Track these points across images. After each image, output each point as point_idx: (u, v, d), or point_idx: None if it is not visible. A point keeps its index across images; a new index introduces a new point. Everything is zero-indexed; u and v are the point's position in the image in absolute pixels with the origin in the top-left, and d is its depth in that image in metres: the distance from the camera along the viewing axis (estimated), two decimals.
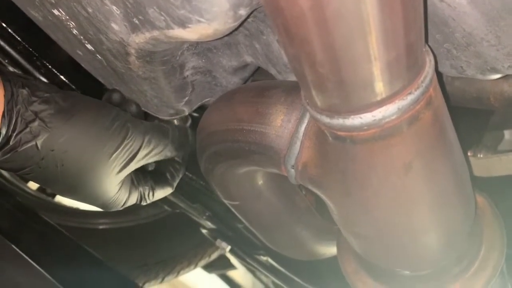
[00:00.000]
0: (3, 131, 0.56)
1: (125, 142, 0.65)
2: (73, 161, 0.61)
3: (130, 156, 0.66)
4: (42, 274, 0.86)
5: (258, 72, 0.74)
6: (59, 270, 0.90)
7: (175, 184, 0.78)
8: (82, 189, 0.64)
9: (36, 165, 0.60)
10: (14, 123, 0.57)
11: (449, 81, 0.67)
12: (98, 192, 0.65)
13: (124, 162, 0.66)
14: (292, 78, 0.64)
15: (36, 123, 0.58)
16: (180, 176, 0.79)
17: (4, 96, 0.56)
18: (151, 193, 0.74)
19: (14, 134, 0.57)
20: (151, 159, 0.70)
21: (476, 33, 0.44)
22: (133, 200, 0.71)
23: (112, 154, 0.64)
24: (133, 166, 0.68)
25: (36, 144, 0.59)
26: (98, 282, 0.96)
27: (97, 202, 0.67)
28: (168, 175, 0.76)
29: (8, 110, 0.56)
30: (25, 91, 0.58)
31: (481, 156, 0.77)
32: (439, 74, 0.49)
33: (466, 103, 0.69)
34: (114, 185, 0.66)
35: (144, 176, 0.73)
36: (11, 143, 0.57)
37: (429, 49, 0.42)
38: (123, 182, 0.67)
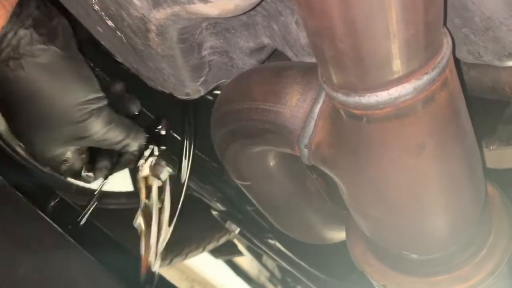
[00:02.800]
0: None
1: (90, 120, 0.71)
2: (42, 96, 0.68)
3: (86, 135, 0.71)
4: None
5: (273, 56, 0.75)
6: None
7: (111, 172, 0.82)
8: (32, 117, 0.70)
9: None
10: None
11: (465, 70, 0.67)
12: (43, 139, 0.72)
13: (78, 136, 0.71)
14: (309, 61, 0.65)
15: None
16: (118, 171, 0.81)
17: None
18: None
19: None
20: (103, 146, 0.75)
21: (496, 17, 0.44)
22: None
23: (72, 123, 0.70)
24: (83, 143, 0.72)
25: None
26: (109, 260, 0.98)
27: (35, 146, 0.73)
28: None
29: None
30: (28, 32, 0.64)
31: (494, 147, 0.77)
32: (456, 60, 0.49)
33: (481, 93, 0.69)
34: (59, 144, 0.72)
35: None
36: None
37: (447, 31, 0.42)
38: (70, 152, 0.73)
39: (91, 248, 0.84)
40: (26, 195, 0.82)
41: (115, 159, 0.83)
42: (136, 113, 0.84)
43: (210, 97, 0.83)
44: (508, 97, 0.68)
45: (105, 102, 0.75)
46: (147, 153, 0.82)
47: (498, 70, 0.61)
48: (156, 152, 0.83)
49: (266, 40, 0.67)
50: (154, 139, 0.82)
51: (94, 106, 0.73)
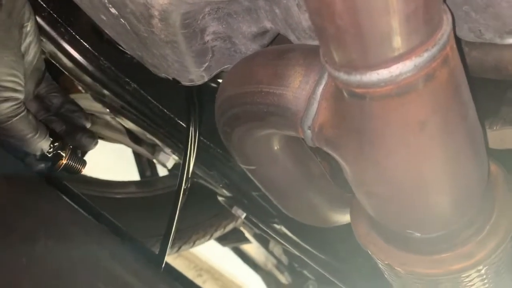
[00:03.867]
0: None
1: None
2: None
3: None
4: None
5: (275, 41, 0.75)
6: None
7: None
8: None
9: None
10: None
11: (466, 51, 0.67)
12: None
13: None
14: (311, 43, 0.65)
15: None
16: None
17: None
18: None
19: None
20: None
21: None
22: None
23: None
24: None
25: None
26: (118, 249, 0.99)
27: None
28: None
29: None
30: None
31: (498, 128, 0.77)
32: (457, 40, 0.50)
33: (484, 73, 0.69)
34: None
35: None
36: None
37: (447, 8, 0.42)
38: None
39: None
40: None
41: None
42: (86, 126, 0.85)
43: (213, 85, 0.84)
44: (511, 77, 0.68)
45: (18, 96, 0.73)
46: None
47: (501, 49, 0.61)
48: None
49: (268, 25, 0.67)
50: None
51: (5, 94, 0.71)
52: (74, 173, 0.87)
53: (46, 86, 0.84)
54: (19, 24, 0.74)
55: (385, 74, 0.41)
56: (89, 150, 0.90)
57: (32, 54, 0.77)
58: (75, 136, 0.85)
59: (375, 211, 0.60)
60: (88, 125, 0.88)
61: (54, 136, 0.83)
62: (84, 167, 0.89)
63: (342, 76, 0.43)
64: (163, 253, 0.85)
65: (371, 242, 0.65)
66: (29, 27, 0.76)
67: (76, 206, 0.82)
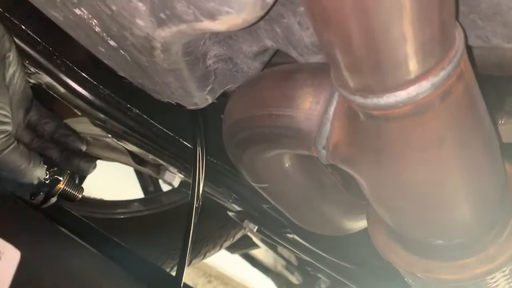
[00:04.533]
0: None
1: None
2: None
3: None
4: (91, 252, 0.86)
5: (277, 54, 0.75)
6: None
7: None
8: None
9: None
10: None
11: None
12: None
13: None
14: (314, 59, 0.65)
15: None
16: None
17: None
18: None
19: None
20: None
21: (504, 3, 0.44)
22: None
23: None
24: None
25: None
26: (125, 269, 0.99)
27: None
28: None
29: None
30: None
31: (503, 122, 0.77)
32: (468, 47, 0.50)
33: (487, 70, 0.69)
34: None
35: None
36: None
37: (457, 23, 0.42)
38: None
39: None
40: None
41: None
42: (82, 149, 0.84)
43: (215, 100, 0.83)
44: None
45: (6, 128, 0.72)
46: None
47: (504, 47, 0.61)
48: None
49: (269, 43, 0.66)
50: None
51: None
52: (71, 200, 0.86)
53: (36, 113, 0.82)
54: (0, 55, 0.73)
55: (402, 95, 0.40)
56: (87, 175, 0.89)
57: (17, 84, 0.76)
58: (73, 161, 0.84)
59: (395, 223, 0.60)
60: (84, 148, 0.87)
61: (49, 163, 0.82)
62: (81, 194, 0.88)
63: (358, 99, 0.43)
64: (180, 275, 0.84)
65: (391, 252, 0.65)
66: (11, 57, 0.74)
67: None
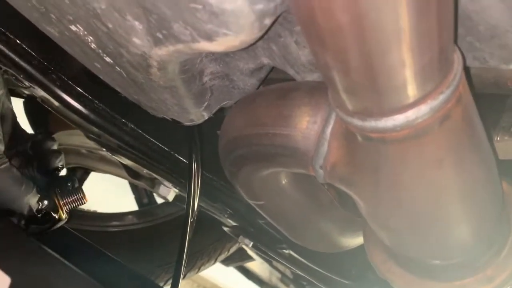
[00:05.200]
0: None
1: None
2: None
3: None
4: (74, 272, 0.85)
5: (274, 70, 0.75)
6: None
7: None
8: None
9: None
10: None
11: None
12: None
13: None
14: (311, 77, 0.65)
15: None
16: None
17: None
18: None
19: None
20: None
21: (501, 25, 0.44)
22: None
23: None
24: None
25: None
26: (117, 285, 0.97)
27: None
28: None
29: None
30: None
31: (498, 139, 0.77)
32: (465, 68, 0.49)
33: (483, 89, 0.69)
34: None
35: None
36: None
37: (456, 47, 0.42)
38: None
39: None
40: None
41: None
42: (58, 166, 0.85)
43: (212, 115, 0.83)
44: (510, 91, 0.69)
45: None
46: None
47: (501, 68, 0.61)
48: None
49: (265, 61, 0.66)
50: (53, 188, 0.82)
51: None
52: (81, 204, 0.85)
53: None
54: None
55: (401, 119, 0.40)
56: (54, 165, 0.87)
57: (5, 106, 0.76)
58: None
59: (392, 243, 0.59)
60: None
61: (43, 194, 0.81)
62: (85, 197, 0.87)
63: (356, 121, 0.43)
64: None
65: (388, 270, 0.65)
66: None
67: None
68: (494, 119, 0.76)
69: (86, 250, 1.05)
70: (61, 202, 0.84)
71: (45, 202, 0.81)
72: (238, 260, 2.00)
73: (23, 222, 0.78)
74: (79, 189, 0.86)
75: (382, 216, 0.55)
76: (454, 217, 0.51)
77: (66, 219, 0.83)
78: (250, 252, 1.92)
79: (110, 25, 0.53)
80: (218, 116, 0.77)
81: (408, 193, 0.49)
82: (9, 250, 0.67)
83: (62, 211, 0.84)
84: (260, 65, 0.68)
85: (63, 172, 0.97)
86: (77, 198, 0.85)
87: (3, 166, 0.72)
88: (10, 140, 0.82)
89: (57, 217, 0.81)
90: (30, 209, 0.78)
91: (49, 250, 0.75)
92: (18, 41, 0.78)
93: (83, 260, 1.01)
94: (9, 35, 0.79)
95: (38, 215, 0.78)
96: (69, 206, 0.85)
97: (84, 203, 0.87)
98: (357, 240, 0.84)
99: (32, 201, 0.78)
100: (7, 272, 0.60)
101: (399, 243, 0.59)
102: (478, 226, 0.54)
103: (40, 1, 0.58)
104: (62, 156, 0.86)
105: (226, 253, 1.55)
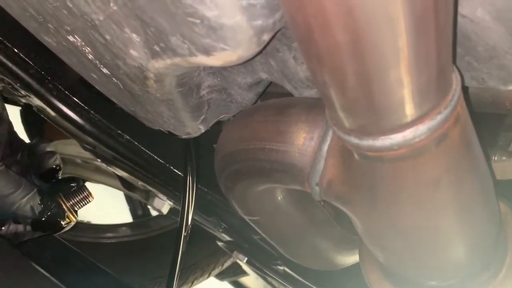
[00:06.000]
0: None
1: None
2: None
3: None
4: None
5: (272, 84, 0.74)
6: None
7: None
8: None
9: None
10: None
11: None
12: None
13: None
14: (308, 93, 0.64)
15: None
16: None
17: None
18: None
19: None
20: None
21: (500, 46, 0.44)
22: None
23: None
24: None
25: None
26: None
27: None
28: None
29: None
30: None
31: (496, 159, 0.77)
32: (463, 88, 0.49)
33: (481, 108, 0.69)
34: None
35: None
36: None
37: (455, 67, 0.42)
38: None
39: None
40: None
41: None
42: (53, 166, 0.83)
43: (208, 129, 0.83)
44: (508, 111, 0.68)
45: None
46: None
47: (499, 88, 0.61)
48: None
49: (264, 75, 0.66)
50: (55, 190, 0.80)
51: None
52: (88, 203, 0.83)
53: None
54: None
55: (398, 138, 0.40)
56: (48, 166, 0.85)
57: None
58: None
59: (387, 262, 0.58)
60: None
61: (44, 194, 0.79)
62: (91, 195, 0.84)
63: (353, 140, 0.42)
64: None
65: None
66: None
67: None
68: (491, 138, 0.76)
69: (77, 262, 1.04)
70: (68, 204, 0.82)
71: (48, 202, 0.79)
72: (232, 274, 1.98)
73: (29, 228, 0.77)
74: (84, 188, 0.84)
75: (378, 235, 0.54)
76: (450, 238, 0.50)
77: (75, 221, 0.81)
78: (245, 267, 1.90)
79: (107, 37, 0.53)
80: (215, 130, 0.76)
81: (404, 213, 0.48)
82: None
83: (71, 212, 0.82)
84: (258, 80, 0.68)
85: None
86: (84, 196, 0.83)
87: (0, 169, 0.71)
88: (8, 148, 0.80)
89: (63, 223, 0.79)
90: (33, 212, 0.76)
91: (35, 266, 0.73)
92: (15, 50, 0.78)
93: (74, 271, 0.99)
94: (7, 43, 0.78)
95: (43, 219, 0.76)
96: (77, 206, 0.83)
97: (91, 200, 0.84)
98: (353, 258, 0.83)
99: (34, 202, 0.76)
100: None
101: (394, 263, 0.58)
102: (475, 247, 0.53)
103: (38, 11, 0.57)
104: (57, 156, 0.84)
105: (220, 267, 1.54)
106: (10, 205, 0.75)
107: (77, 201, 0.82)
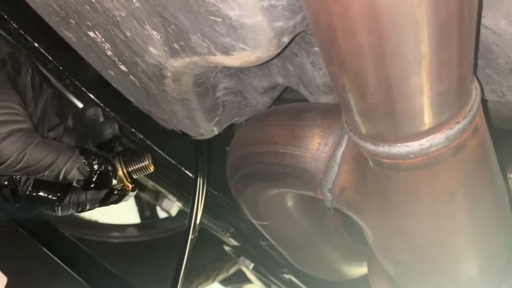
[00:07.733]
0: None
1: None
2: None
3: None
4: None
5: (288, 90, 0.74)
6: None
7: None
8: None
9: None
10: None
11: None
12: None
13: None
14: (324, 99, 0.64)
15: None
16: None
17: None
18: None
19: None
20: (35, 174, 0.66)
21: None
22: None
23: None
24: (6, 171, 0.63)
25: None
26: None
27: None
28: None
29: None
30: None
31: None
32: (483, 101, 0.49)
33: (499, 124, 0.68)
34: None
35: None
36: None
37: (475, 78, 0.41)
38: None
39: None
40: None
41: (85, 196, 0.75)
42: (111, 136, 0.77)
43: (221, 131, 0.83)
44: None
45: (22, 126, 0.65)
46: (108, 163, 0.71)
47: None
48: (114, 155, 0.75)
49: (280, 80, 0.66)
50: (102, 153, 0.73)
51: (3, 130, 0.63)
52: (148, 172, 0.76)
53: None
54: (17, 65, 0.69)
55: (415, 146, 0.39)
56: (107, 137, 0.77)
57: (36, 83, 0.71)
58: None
59: (397, 275, 0.57)
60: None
61: (85, 153, 0.70)
62: (151, 165, 0.75)
63: (369, 146, 0.42)
64: None
65: None
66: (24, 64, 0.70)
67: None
68: (508, 155, 0.75)
69: (84, 259, 1.04)
70: (126, 170, 0.74)
71: (94, 161, 0.72)
72: (237, 282, 1.96)
73: (82, 184, 0.71)
74: (146, 155, 0.75)
75: (389, 247, 0.53)
76: (463, 253, 0.49)
77: (135, 190, 0.75)
78: (250, 275, 1.89)
79: (128, 33, 0.53)
80: (227, 133, 0.76)
81: (416, 225, 0.47)
82: (8, 251, 0.65)
83: (127, 179, 0.75)
84: (274, 84, 0.68)
85: None
86: (143, 166, 0.73)
87: (33, 143, 0.66)
88: (56, 117, 0.75)
89: (115, 182, 0.72)
90: (81, 173, 0.69)
91: (47, 251, 0.73)
92: (36, 44, 0.79)
93: (80, 268, 0.99)
94: (27, 37, 0.80)
95: (93, 179, 0.71)
96: (135, 174, 0.74)
97: (151, 171, 0.76)
98: (360, 270, 0.82)
99: (76, 162, 0.68)
100: (4, 271, 0.58)
101: (404, 277, 0.57)
102: (488, 264, 0.52)
103: (61, 5, 0.58)
104: (115, 125, 0.76)
105: (225, 273, 1.53)
106: (58, 173, 0.70)
107: (137, 168, 0.74)
